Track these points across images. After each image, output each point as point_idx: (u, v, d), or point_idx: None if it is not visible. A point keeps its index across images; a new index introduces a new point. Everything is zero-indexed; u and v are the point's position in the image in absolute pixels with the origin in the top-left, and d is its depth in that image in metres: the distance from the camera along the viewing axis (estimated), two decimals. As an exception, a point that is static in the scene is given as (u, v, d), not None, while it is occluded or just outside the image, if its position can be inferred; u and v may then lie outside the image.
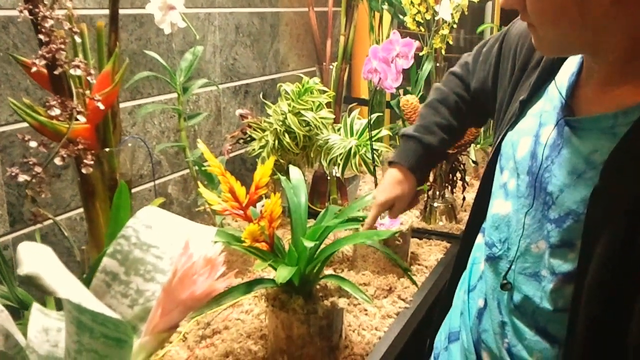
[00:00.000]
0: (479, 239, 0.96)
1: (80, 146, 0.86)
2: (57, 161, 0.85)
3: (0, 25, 1.17)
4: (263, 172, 0.99)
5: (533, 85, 0.85)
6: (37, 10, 0.81)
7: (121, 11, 1.45)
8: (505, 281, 0.82)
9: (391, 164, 1.17)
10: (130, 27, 1.48)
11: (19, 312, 0.95)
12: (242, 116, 1.70)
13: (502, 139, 0.89)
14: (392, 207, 1.16)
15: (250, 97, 1.94)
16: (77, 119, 0.85)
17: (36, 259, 0.46)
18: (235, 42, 1.86)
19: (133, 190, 1.52)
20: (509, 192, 0.85)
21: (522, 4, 0.72)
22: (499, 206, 0.87)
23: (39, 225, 1.05)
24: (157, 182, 1.61)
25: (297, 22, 2.10)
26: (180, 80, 1.44)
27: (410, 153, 1.14)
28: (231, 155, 1.81)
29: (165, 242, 0.67)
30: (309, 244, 0.96)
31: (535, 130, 0.82)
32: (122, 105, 1.49)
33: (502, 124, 0.92)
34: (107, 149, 1.13)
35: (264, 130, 1.62)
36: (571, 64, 0.82)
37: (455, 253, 1.05)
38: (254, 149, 1.63)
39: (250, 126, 1.67)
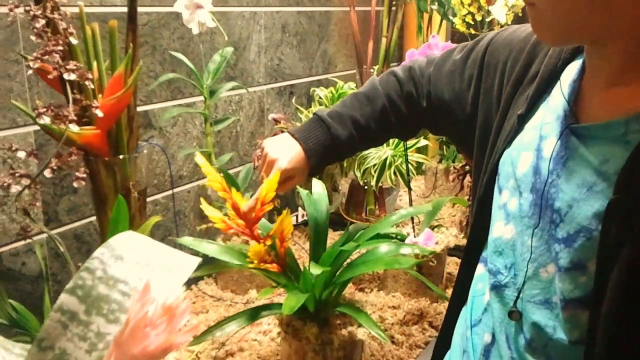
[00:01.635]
0: (479, 270, 0.87)
1: (73, 157, 0.79)
2: (47, 173, 0.79)
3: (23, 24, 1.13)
4: (269, 186, 0.91)
5: (530, 98, 0.79)
6: (27, 8, 0.75)
7: (162, 9, 1.41)
8: (514, 309, 0.75)
9: (293, 137, 1.04)
10: (173, 25, 1.43)
11: (11, 330, 0.90)
12: (275, 120, 1.62)
13: (499, 157, 0.81)
14: (285, 182, 1.00)
15: (295, 98, 1.87)
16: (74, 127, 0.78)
17: None
18: (281, 42, 1.79)
19: (168, 193, 1.48)
20: (510, 213, 0.78)
21: None
22: (501, 229, 0.79)
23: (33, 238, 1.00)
24: (198, 183, 1.57)
25: (346, 21, 2.02)
26: (207, 83, 1.37)
27: (314, 138, 1.01)
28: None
29: (135, 276, 0.59)
30: (316, 270, 0.86)
31: (536, 144, 0.75)
32: (163, 105, 1.44)
33: (496, 143, 0.84)
34: (119, 157, 1.08)
35: (296, 137, 1.53)
36: (572, 71, 0.75)
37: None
38: (285, 156, 1.54)
39: (283, 131, 1.59)
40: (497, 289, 0.79)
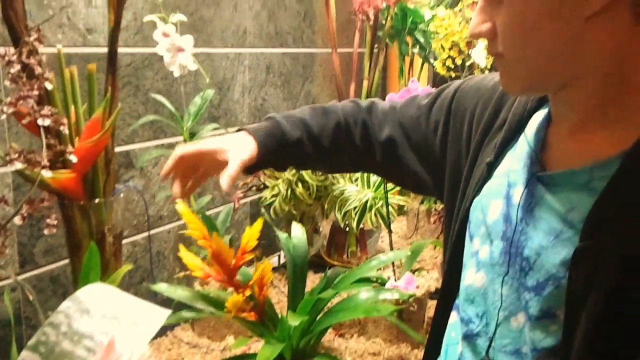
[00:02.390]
0: (452, 318, 0.86)
1: (45, 203, 0.78)
2: (17, 221, 0.77)
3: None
4: (250, 235, 0.89)
5: (498, 146, 0.79)
6: (2, 53, 0.74)
7: (147, 50, 1.41)
8: (486, 358, 0.75)
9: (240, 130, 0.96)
10: (157, 65, 1.44)
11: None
12: (256, 161, 1.61)
13: (469, 205, 0.81)
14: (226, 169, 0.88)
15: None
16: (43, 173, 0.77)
17: None
18: (266, 82, 1.81)
19: (147, 233, 1.46)
20: (481, 260, 0.77)
21: (492, 31, 0.67)
22: (472, 277, 0.79)
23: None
24: (178, 223, 1.54)
25: (329, 62, 2.04)
26: (187, 125, 1.36)
27: (264, 129, 0.94)
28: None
29: (101, 331, 0.57)
30: (294, 321, 0.84)
31: (505, 192, 0.76)
32: (144, 144, 1.43)
33: (466, 190, 0.84)
34: (95, 200, 1.06)
35: (277, 178, 1.53)
36: (537, 119, 0.76)
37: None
38: (265, 198, 1.53)
39: (264, 173, 1.58)
40: (469, 338, 0.78)
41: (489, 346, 0.75)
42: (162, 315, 0.62)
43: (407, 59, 1.93)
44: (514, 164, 0.76)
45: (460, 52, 1.72)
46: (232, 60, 1.68)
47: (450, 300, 0.86)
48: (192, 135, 1.37)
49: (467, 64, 1.70)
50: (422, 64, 1.97)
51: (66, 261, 1.30)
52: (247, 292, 0.90)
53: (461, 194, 0.85)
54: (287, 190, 1.48)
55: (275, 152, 0.93)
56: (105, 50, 1.04)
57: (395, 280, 1.33)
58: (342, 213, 1.47)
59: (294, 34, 1.90)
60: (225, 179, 0.85)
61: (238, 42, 1.68)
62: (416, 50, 1.89)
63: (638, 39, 0.61)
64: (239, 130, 0.95)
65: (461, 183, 0.86)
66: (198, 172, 0.95)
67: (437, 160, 0.92)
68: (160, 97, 1.35)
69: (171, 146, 1.49)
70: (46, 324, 0.56)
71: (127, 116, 1.39)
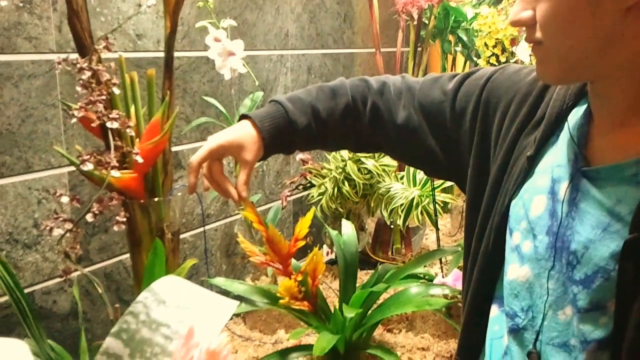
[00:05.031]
0: (494, 311, 0.85)
1: (115, 202, 0.82)
2: (89, 218, 0.82)
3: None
4: (302, 224, 0.92)
5: (539, 140, 0.79)
6: (75, 62, 0.79)
7: (194, 53, 1.46)
8: (533, 350, 0.74)
9: (245, 118, 0.95)
10: (203, 68, 1.48)
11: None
12: (302, 161, 1.65)
13: (510, 200, 0.81)
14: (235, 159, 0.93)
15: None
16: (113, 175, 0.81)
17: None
18: (307, 83, 1.84)
19: (195, 232, 1.51)
20: (524, 255, 0.77)
21: (532, 18, 0.68)
22: (515, 272, 0.79)
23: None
24: (225, 221, 1.59)
25: (370, 62, 2.06)
26: (237, 126, 1.40)
27: (270, 118, 0.93)
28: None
29: (176, 320, 0.61)
30: (349, 313, 0.87)
31: (548, 187, 0.75)
32: (192, 146, 1.48)
33: (501, 184, 0.83)
34: (155, 199, 1.11)
35: (323, 177, 1.56)
36: (578, 114, 0.75)
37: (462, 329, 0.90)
38: (312, 196, 1.56)
39: (311, 172, 1.61)
40: (515, 332, 0.78)
41: (536, 339, 0.75)
42: (232, 305, 0.65)
43: (450, 58, 1.93)
44: (558, 160, 0.76)
45: (504, 49, 1.73)
46: (274, 62, 1.71)
47: (487, 294, 0.85)
48: (242, 136, 1.41)
49: (512, 61, 1.70)
50: (465, 62, 1.97)
51: (119, 258, 1.36)
52: (299, 278, 0.93)
53: (492, 187, 0.84)
54: (333, 188, 1.51)
55: (281, 143, 0.94)
56: (154, 55, 1.08)
57: (443, 276, 1.34)
58: (389, 211, 1.49)
59: (335, 35, 1.93)
60: (241, 187, 0.92)
61: (280, 44, 1.72)
62: (459, 48, 1.90)
63: None
64: (242, 117, 0.95)
65: (491, 174, 0.85)
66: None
67: (457, 146, 0.92)
68: (211, 99, 1.40)
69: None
70: (127, 313, 0.60)
71: (176, 118, 1.44)
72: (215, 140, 0.91)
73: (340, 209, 1.53)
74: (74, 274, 1.21)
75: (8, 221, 1.13)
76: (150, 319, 0.60)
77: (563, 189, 0.73)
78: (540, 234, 0.75)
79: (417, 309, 1.01)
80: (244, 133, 0.92)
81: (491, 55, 1.72)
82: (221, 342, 0.52)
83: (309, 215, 0.95)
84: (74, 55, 0.92)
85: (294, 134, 0.94)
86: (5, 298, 1.13)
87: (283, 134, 0.92)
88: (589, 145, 0.73)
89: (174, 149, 1.44)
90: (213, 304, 0.65)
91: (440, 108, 0.93)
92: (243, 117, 0.95)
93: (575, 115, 0.76)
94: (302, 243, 0.95)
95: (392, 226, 1.68)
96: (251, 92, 1.56)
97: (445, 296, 1.22)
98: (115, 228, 0.87)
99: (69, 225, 0.81)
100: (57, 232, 0.84)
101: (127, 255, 1.37)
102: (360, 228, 1.65)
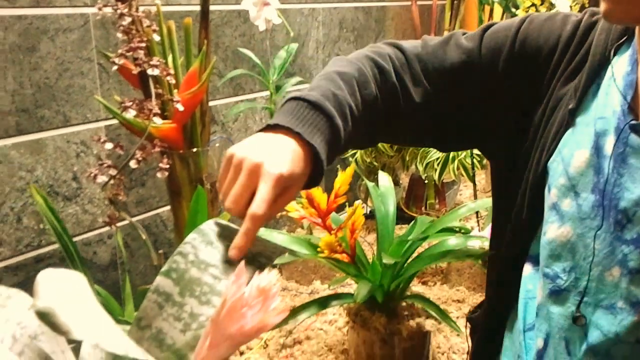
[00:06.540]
0: (527, 270, 0.81)
1: (157, 149, 0.83)
2: (133, 164, 0.83)
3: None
4: (342, 180, 0.92)
5: (581, 90, 0.73)
6: (115, 7, 0.78)
7: (225, 7, 1.45)
8: (578, 314, 0.71)
9: (282, 129, 0.69)
10: (235, 22, 1.47)
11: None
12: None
13: (549, 156, 0.76)
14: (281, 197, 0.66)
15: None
16: (153, 121, 0.82)
17: (57, 290, 0.42)
18: (339, 37, 1.81)
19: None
20: (565, 213, 0.73)
21: None
22: (555, 231, 0.74)
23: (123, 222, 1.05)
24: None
25: (403, 16, 2.02)
26: (273, 79, 1.40)
27: (318, 131, 0.70)
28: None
29: (224, 262, 0.62)
30: (388, 260, 0.87)
31: (592, 142, 0.71)
32: (225, 101, 1.48)
33: (538, 138, 0.78)
34: (194, 150, 1.12)
35: (358, 131, 1.55)
36: (623, 63, 0.70)
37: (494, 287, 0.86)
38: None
39: (344, 126, 1.60)
40: (556, 293, 0.75)
41: (580, 301, 0.72)
42: (280, 248, 0.66)
43: (487, 9, 1.88)
44: (601, 112, 0.71)
45: (543, 0, 1.67)
46: (306, 16, 1.69)
47: (521, 253, 0.81)
48: (278, 89, 1.40)
49: (552, 12, 1.65)
50: (503, 14, 1.92)
51: (156, 211, 1.38)
52: (340, 234, 0.94)
53: (532, 142, 0.79)
54: (368, 142, 1.50)
55: (331, 160, 0.74)
56: (185, 8, 1.07)
57: (479, 230, 1.34)
58: (424, 165, 1.48)
59: (367, -13, 1.90)
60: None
61: (312, -3, 1.70)
62: (496, -1, 1.84)
63: None
64: (280, 127, 0.69)
65: (530, 129, 0.80)
66: None
67: (487, 105, 0.83)
68: (247, 51, 1.39)
69: (250, 101, 1.53)
70: (176, 253, 0.61)
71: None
72: (275, 170, 0.65)
73: (375, 163, 1.52)
74: (117, 224, 1.24)
75: (48, 174, 1.15)
76: (199, 259, 0.61)
77: (609, 143, 0.69)
78: (583, 192, 0.71)
79: (456, 259, 1.01)
80: (296, 156, 0.67)
81: (531, 6, 1.67)
82: (271, 280, 0.53)
83: (349, 171, 0.94)
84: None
85: (337, 146, 0.74)
86: (50, 248, 1.16)
87: (330, 149, 0.72)
88: (636, 96, 0.68)
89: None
90: (259, 246, 0.66)
91: (465, 68, 0.82)
92: (274, 126, 0.70)
93: (621, 63, 0.71)
94: (342, 200, 0.95)
95: (426, 181, 1.67)
96: (283, 46, 1.55)
97: (483, 249, 1.22)
98: (159, 175, 0.88)
99: (113, 172, 0.82)
100: (100, 179, 0.85)
101: (164, 208, 1.40)
102: (395, 183, 1.64)
